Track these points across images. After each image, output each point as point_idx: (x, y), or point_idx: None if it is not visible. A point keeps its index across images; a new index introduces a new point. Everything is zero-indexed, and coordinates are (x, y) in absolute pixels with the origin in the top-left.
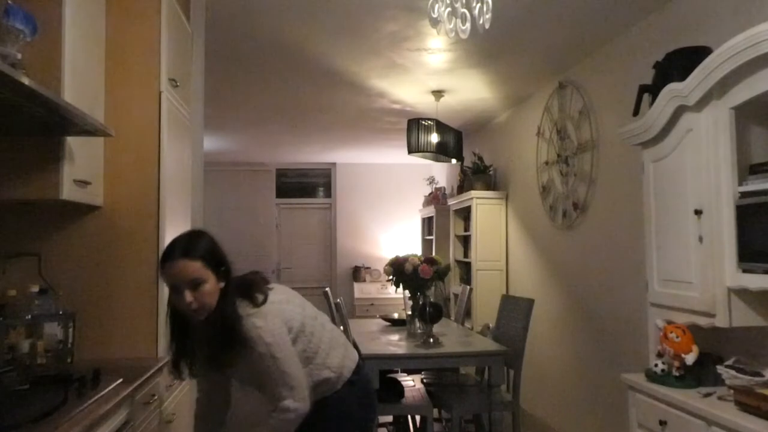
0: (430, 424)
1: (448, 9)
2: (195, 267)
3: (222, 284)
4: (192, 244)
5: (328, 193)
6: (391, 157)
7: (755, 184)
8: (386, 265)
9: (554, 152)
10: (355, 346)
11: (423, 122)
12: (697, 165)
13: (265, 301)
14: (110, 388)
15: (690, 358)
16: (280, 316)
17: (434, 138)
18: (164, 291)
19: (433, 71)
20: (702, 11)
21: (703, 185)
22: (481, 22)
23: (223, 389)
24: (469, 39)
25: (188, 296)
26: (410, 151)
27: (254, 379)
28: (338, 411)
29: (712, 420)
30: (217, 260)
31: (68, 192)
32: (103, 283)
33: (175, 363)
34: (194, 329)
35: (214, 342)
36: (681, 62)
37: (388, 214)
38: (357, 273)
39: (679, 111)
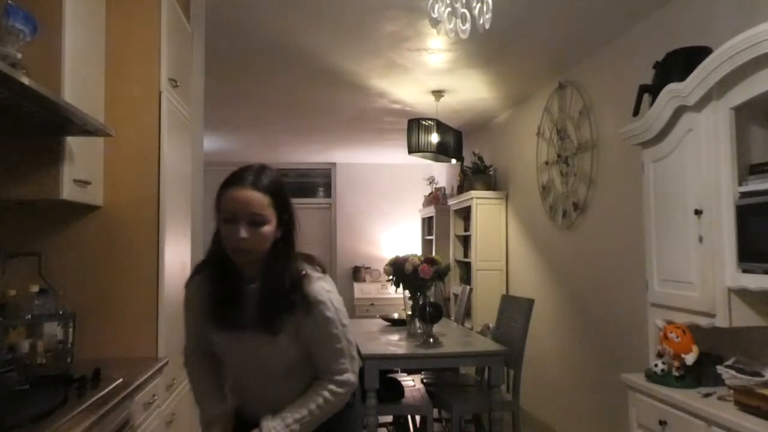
0: (430, 424)
1: (448, 9)
2: (262, 202)
3: (280, 235)
4: (265, 176)
5: (328, 193)
6: (391, 157)
7: (755, 184)
8: (386, 265)
9: (554, 152)
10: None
11: (423, 122)
12: (697, 165)
13: (325, 273)
14: (110, 388)
15: (690, 358)
16: (340, 298)
17: (434, 138)
18: (164, 290)
19: (433, 71)
20: (702, 11)
21: (703, 185)
22: (481, 22)
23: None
24: (469, 39)
25: (243, 231)
26: (410, 151)
27: (282, 364)
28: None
29: (712, 420)
30: (283, 204)
31: (68, 192)
32: (103, 283)
33: (223, 311)
34: (239, 280)
35: (271, 299)
36: (681, 62)
37: (388, 214)
38: (357, 273)
39: (679, 111)
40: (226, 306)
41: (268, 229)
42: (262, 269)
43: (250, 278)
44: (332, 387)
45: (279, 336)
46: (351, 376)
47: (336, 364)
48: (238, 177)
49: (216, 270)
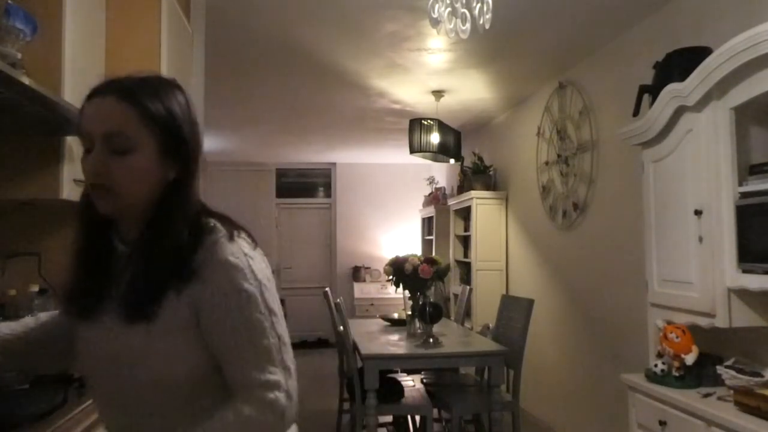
0: (429, 424)
1: (449, 9)
2: (125, 116)
3: (172, 176)
4: (144, 85)
5: (328, 193)
6: (391, 157)
7: (755, 185)
8: (386, 265)
9: (554, 152)
10: (356, 347)
11: (424, 122)
12: (697, 165)
13: (254, 243)
14: None
15: (690, 359)
16: (269, 273)
17: (435, 138)
18: None
19: (433, 71)
20: (702, 11)
21: (703, 185)
22: (481, 22)
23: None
24: (470, 39)
25: (97, 159)
26: (412, 151)
27: (161, 380)
28: None
29: (711, 420)
30: (173, 132)
31: (68, 192)
32: None
33: (72, 298)
34: (109, 242)
35: (147, 262)
36: (681, 62)
37: (388, 214)
38: (357, 273)
39: (679, 111)
40: (82, 277)
41: (139, 160)
42: (143, 225)
43: (127, 239)
44: (246, 408)
45: (155, 324)
46: (281, 397)
47: (256, 371)
48: (99, 86)
49: (85, 228)
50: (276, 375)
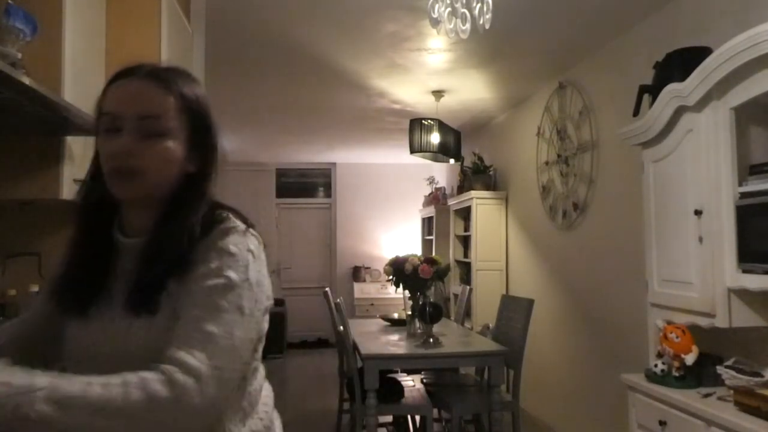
0: (429, 424)
1: (449, 9)
2: (163, 100)
3: (192, 169)
4: (176, 73)
5: (328, 193)
6: (391, 157)
7: (755, 185)
8: (386, 265)
9: (554, 152)
10: (356, 347)
11: (424, 122)
12: (697, 165)
13: (262, 245)
14: None
15: (690, 359)
16: (265, 282)
17: (435, 138)
18: None
19: (433, 71)
20: (702, 11)
21: (703, 185)
22: (481, 22)
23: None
24: (470, 39)
25: (128, 139)
26: (412, 151)
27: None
28: None
29: (711, 420)
30: (202, 119)
31: (68, 192)
32: None
33: (66, 292)
34: (112, 232)
35: (157, 257)
36: (681, 62)
37: (388, 214)
38: (357, 273)
39: (680, 111)
40: (79, 271)
41: (172, 145)
42: (156, 216)
43: (135, 230)
44: (150, 375)
45: (158, 316)
46: (191, 386)
47: (183, 350)
48: (129, 68)
49: (84, 218)
50: (199, 363)
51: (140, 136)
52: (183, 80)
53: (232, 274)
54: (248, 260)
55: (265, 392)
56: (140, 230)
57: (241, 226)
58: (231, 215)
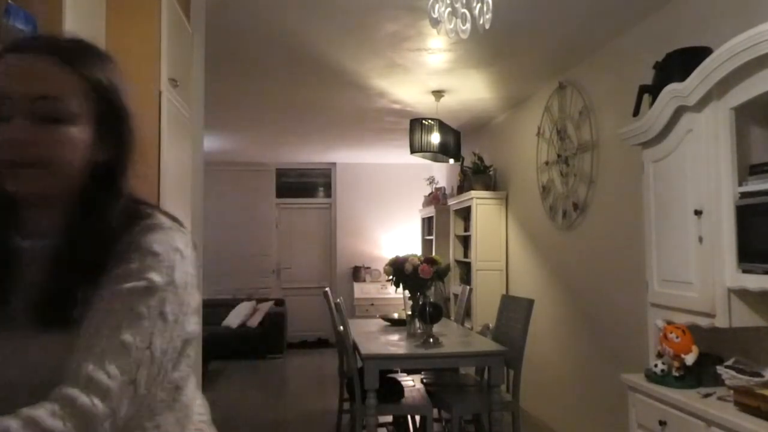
0: (429, 424)
1: (449, 9)
2: (63, 81)
3: (102, 159)
4: (81, 48)
5: (328, 193)
6: (391, 157)
7: (755, 185)
8: (386, 265)
9: (554, 152)
10: (356, 347)
11: (425, 122)
12: (697, 165)
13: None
14: None
15: (690, 359)
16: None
17: (436, 138)
18: None
19: (433, 71)
20: (702, 11)
21: (703, 185)
22: (481, 22)
23: None
24: (470, 39)
25: (20, 126)
26: (413, 151)
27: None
28: None
29: (711, 420)
30: (111, 107)
31: None
32: None
33: None
34: (10, 234)
35: (73, 261)
36: (681, 62)
37: (388, 214)
38: (357, 273)
39: (680, 111)
40: None
41: (76, 132)
42: (64, 216)
43: (37, 231)
44: (48, 414)
45: (72, 329)
46: (99, 409)
47: (93, 363)
48: (21, 41)
49: None
50: (110, 381)
51: (35, 122)
52: (89, 57)
53: (154, 277)
54: (174, 260)
55: (198, 401)
56: (44, 232)
57: (167, 222)
58: (156, 212)
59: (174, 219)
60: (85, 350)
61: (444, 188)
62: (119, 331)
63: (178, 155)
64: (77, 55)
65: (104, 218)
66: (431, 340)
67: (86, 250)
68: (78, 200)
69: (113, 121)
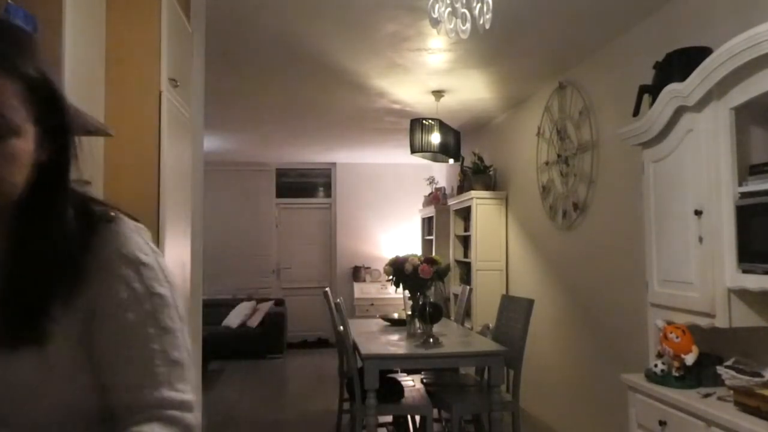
0: (429, 424)
1: (449, 9)
2: (9, 92)
3: (44, 158)
4: (17, 44)
5: (328, 193)
6: (391, 157)
7: (755, 185)
8: (386, 265)
9: (554, 152)
10: (356, 347)
11: (425, 122)
12: (697, 165)
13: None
14: None
15: (690, 359)
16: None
17: (436, 138)
18: None
19: (433, 71)
20: (702, 11)
21: (703, 185)
22: (481, 22)
23: None
24: (470, 39)
25: None
26: (413, 151)
27: (58, 410)
28: None
29: (711, 420)
30: (50, 104)
31: None
32: None
33: None
34: None
35: (32, 270)
36: (681, 62)
37: (388, 214)
38: (357, 273)
39: (680, 111)
40: None
41: (21, 144)
42: (10, 223)
43: None
44: (161, 429)
45: (49, 347)
46: (194, 420)
47: (168, 389)
48: None
49: None
50: (189, 394)
51: None
52: (24, 54)
53: (159, 288)
54: (160, 263)
55: None
56: None
57: (130, 222)
58: (119, 213)
59: (132, 217)
60: (150, 379)
61: (444, 188)
62: (170, 351)
63: (178, 155)
64: (12, 57)
65: (60, 220)
66: (431, 340)
67: (47, 258)
68: (24, 204)
69: (52, 116)
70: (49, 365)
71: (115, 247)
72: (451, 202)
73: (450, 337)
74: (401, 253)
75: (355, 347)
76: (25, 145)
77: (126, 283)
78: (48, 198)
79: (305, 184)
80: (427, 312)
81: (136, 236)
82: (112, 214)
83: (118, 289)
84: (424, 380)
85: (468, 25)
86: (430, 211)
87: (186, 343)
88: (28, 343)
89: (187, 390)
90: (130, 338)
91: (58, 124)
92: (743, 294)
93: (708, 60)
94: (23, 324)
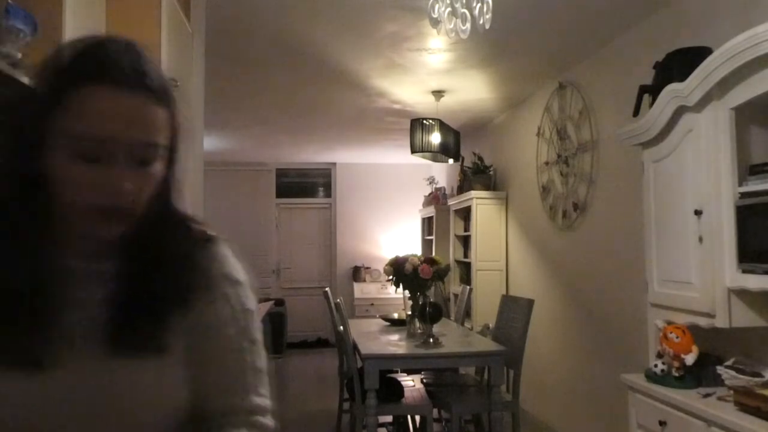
0: (429, 424)
1: (449, 9)
2: (163, 123)
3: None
4: (166, 82)
5: (328, 193)
6: (391, 157)
7: (755, 185)
8: (386, 265)
9: (554, 152)
10: (356, 347)
11: (425, 122)
12: (697, 165)
13: None
14: None
15: (690, 359)
16: None
17: (436, 138)
18: None
19: (433, 71)
20: (702, 11)
21: (703, 185)
22: (481, 22)
23: None
24: (470, 39)
25: (125, 174)
26: (413, 151)
27: (166, 414)
28: None
29: (711, 420)
30: (178, 120)
31: None
32: None
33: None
34: (57, 256)
35: (156, 283)
36: (681, 62)
37: (388, 214)
38: (357, 273)
39: (680, 111)
40: (27, 313)
41: (158, 169)
42: (126, 236)
43: (93, 253)
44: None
45: (164, 356)
46: (272, 423)
47: (256, 395)
48: (112, 64)
49: (19, 235)
50: (267, 400)
51: (132, 166)
52: (171, 91)
53: (250, 304)
54: (248, 280)
55: None
56: (102, 254)
57: (223, 240)
58: (215, 233)
59: (207, 227)
60: (241, 387)
61: (444, 188)
62: (257, 361)
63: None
64: (167, 92)
65: (174, 241)
66: (431, 340)
67: (166, 273)
68: (150, 214)
69: (176, 146)
70: (162, 373)
71: (218, 267)
72: (451, 202)
73: (450, 337)
74: (401, 253)
75: (355, 347)
76: (160, 170)
77: (227, 301)
78: (163, 214)
79: (305, 184)
80: (427, 312)
81: (231, 256)
82: (211, 234)
83: (221, 306)
84: (424, 380)
85: (468, 25)
86: (430, 211)
87: (264, 350)
88: (147, 353)
89: (268, 396)
90: (228, 351)
91: (178, 148)
92: (743, 294)
93: (708, 60)
94: (145, 335)
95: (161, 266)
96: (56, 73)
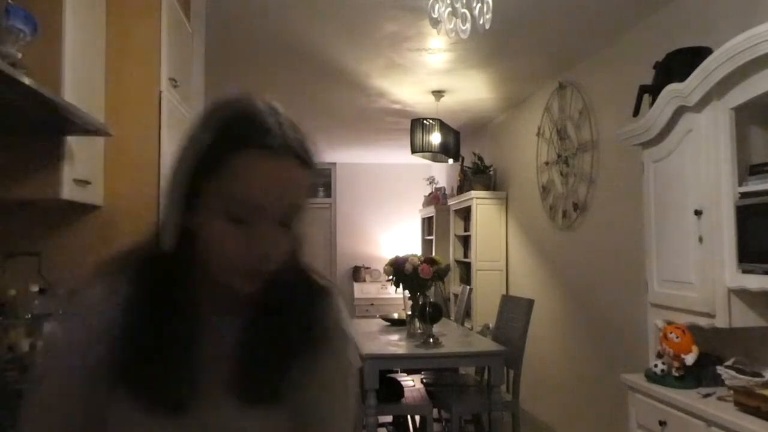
0: (429, 424)
1: (449, 9)
2: (307, 187)
3: None
4: (311, 147)
5: (328, 193)
6: (391, 157)
7: (755, 185)
8: (386, 265)
9: (554, 152)
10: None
11: (426, 122)
12: (697, 165)
13: None
14: None
15: (690, 359)
16: None
17: (436, 138)
18: None
19: (433, 71)
20: (702, 11)
21: (703, 185)
22: (481, 22)
23: None
24: (470, 39)
25: (273, 239)
26: (413, 151)
27: None
28: None
29: (711, 420)
30: (312, 189)
31: (68, 192)
32: None
33: (160, 391)
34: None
35: (279, 336)
36: (681, 62)
37: (388, 214)
38: (357, 273)
39: (680, 111)
40: (170, 364)
41: (299, 227)
42: (256, 295)
43: (227, 309)
44: None
45: (279, 405)
46: None
47: None
48: (265, 131)
49: (160, 288)
50: None
51: (277, 227)
52: (313, 145)
53: (355, 359)
54: (353, 334)
55: None
56: (234, 310)
57: (337, 291)
58: (330, 284)
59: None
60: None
61: (444, 188)
62: (350, 411)
63: None
64: (309, 155)
65: (300, 294)
66: (431, 340)
67: (291, 331)
68: (273, 277)
69: (308, 202)
70: (276, 421)
71: (334, 321)
72: (451, 202)
73: (450, 337)
74: (401, 253)
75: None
76: (300, 226)
77: (338, 355)
78: (293, 273)
79: None
80: (427, 312)
81: (344, 309)
82: (329, 286)
83: (333, 359)
84: (424, 380)
85: (468, 25)
86: (430, 211)
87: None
88: (265, 401)
89: None
90: (334, 403)
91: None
92: (743, 294)
93: (708, 60)
94: (270, 387)
95: (287, 320)
96: (213, 136)
